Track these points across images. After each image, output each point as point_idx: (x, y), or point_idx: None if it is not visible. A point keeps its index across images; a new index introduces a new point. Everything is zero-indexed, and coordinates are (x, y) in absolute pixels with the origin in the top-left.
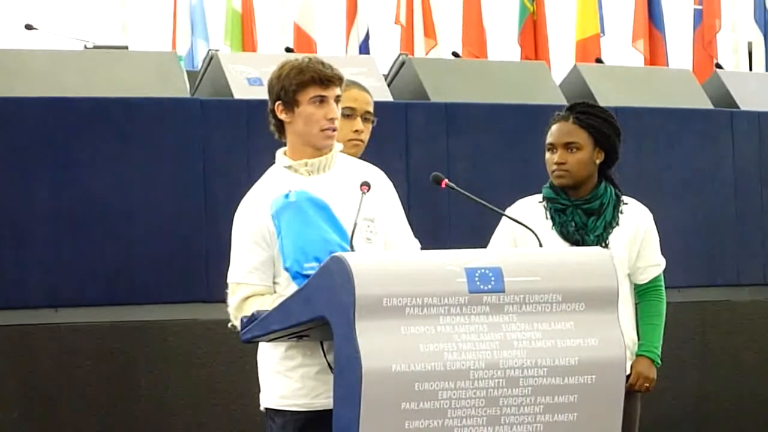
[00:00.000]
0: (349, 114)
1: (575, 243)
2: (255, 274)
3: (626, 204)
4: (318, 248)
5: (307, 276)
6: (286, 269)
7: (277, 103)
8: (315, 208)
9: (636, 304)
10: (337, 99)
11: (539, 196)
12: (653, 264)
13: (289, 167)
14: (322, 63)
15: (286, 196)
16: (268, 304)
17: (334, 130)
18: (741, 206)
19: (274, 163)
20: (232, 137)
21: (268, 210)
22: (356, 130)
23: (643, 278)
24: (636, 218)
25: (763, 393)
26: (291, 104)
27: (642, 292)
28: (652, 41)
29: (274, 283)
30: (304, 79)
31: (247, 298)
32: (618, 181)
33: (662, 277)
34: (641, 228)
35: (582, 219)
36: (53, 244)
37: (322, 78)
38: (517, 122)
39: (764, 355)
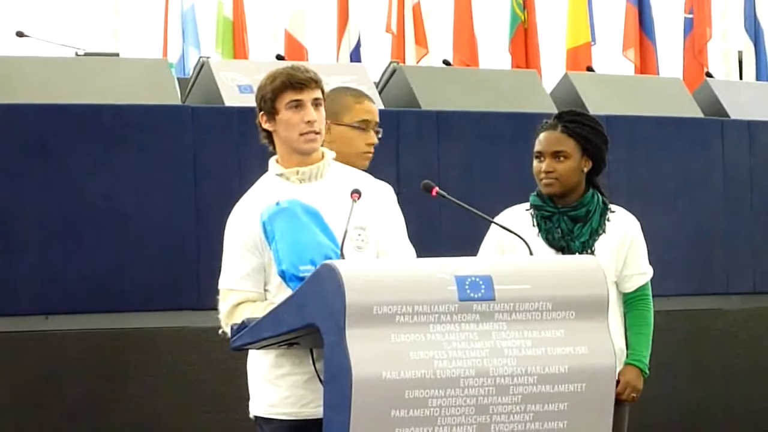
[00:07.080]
0: (363, 127)
1: (560, 250)
2: (246, 281)
3: (613, 212)
4: (313, 251)
5: (303, 278)
6: (282, 272)
7: (260, 114)
8: (307, 214)
9: (624, 313)
10: (317, 102)
11: (526, 205)
12: (640, 272)
13: (281, 175)
14: (297, 67)
15: (277, 204)
16: (259, 311)
17: (316, 133)
18: (731, 215)
19: (266, 170)
20: (223, 144)
21: (259, 218)
22: (369, 143)
23: (630, 287)
24: (623, 226)
25: (753, 401)
26: (272, 113)
27: (629, 301)
28: (643, 50)
29: (265, 290)
30: (277, 85)
31: (239, 304)
32: (605, 189)
33: (649, 286)
34: (628, 236)
35: (568, 226)
36: (44, 251)
37: (294, 82)
38: (507, 130)
39: (754, 364)
